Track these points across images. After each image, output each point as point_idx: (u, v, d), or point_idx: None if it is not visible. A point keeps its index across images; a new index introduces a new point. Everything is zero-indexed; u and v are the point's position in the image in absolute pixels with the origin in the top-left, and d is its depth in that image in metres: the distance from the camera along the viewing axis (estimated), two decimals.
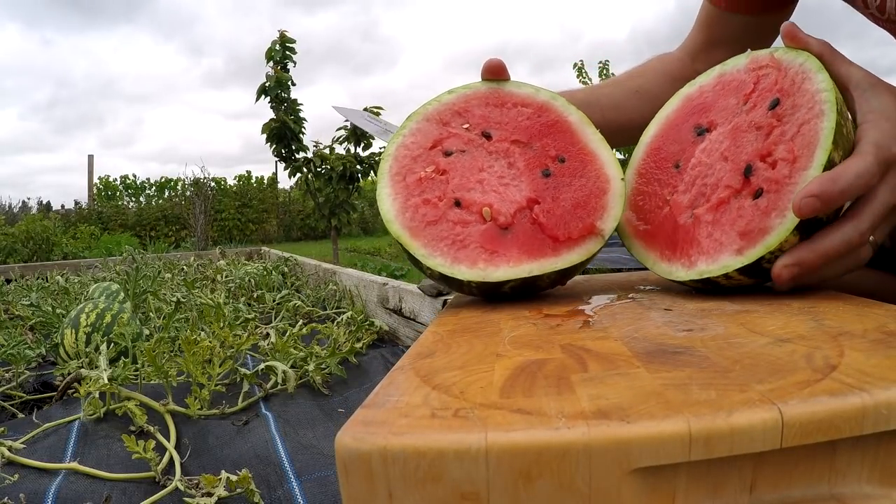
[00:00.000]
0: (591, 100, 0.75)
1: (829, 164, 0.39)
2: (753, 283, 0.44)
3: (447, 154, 0.52)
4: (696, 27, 0.80)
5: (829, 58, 0.44)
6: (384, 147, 0.56)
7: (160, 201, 9.01)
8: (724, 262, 0.42)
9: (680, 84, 0.81)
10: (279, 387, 0.83)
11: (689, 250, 0.45)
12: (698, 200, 0.47)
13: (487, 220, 0.49)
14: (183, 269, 2.07)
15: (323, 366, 0.88)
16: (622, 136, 0.79)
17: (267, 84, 3.27)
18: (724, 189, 0.45)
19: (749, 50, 0.50)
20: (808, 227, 0.40)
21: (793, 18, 0.76)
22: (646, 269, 0.51)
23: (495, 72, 0.56)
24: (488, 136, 0.53)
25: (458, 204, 0.49)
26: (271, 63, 3.31)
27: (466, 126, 0.54)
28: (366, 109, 3.40)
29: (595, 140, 0.53)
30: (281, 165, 3.69)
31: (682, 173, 0.50)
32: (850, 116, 0.44)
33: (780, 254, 0.41)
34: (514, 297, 0.49)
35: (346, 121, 3.46)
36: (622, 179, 0.50)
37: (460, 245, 0.48)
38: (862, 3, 0.62)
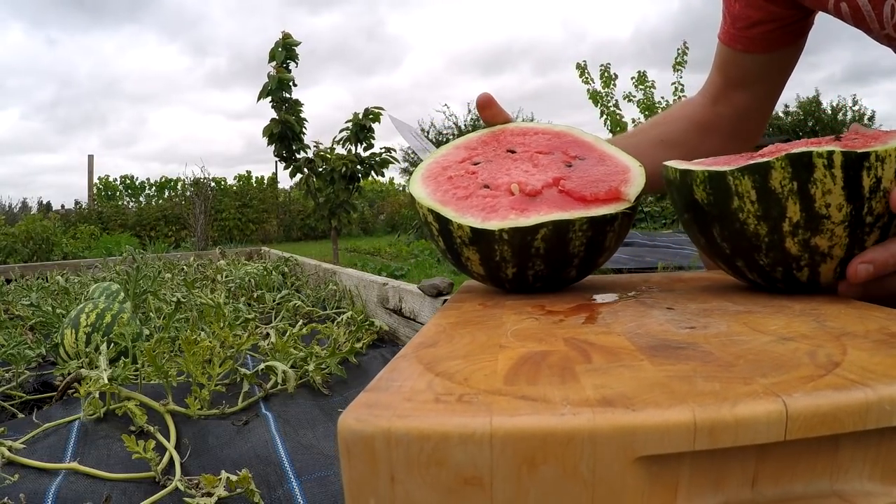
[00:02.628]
0: (619, 147, 0.76)
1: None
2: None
3: (475, 164, 0.55)
4: (714, 70, 0.80)
5: None
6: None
7: (160, 201, 9.01)
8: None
9: (702, 130, 0.78)
10: (279, 387, 0.83)
11: None
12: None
13: (515, 193, 0.50)
14: (183, 269, 2.07)
15: (323, 366, 0.88)
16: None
17: (270, 86, 3.27)
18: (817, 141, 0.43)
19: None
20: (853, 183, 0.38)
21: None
22: (647, 270, 0.51)
23: (486, 103, 0.60)
24: (513, 151, 0.57)
25: (486, 187, 0.51)
26: (274, 63, 3.31)
27: (493, 149, 0.58)
28: (368, 111, 3.41)
29: (611, 148, 0.56)
30: (281, 165, 3.69)
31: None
32: None
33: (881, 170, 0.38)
34: (547, 257, 0.47)
35: (345, 119, 3.46)
36: (640, 166, 0.52)
37: (490, 210, 0.48)
38: (878, 24, 0.60)
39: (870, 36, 0.64)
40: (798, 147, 0.39)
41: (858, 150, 0.37)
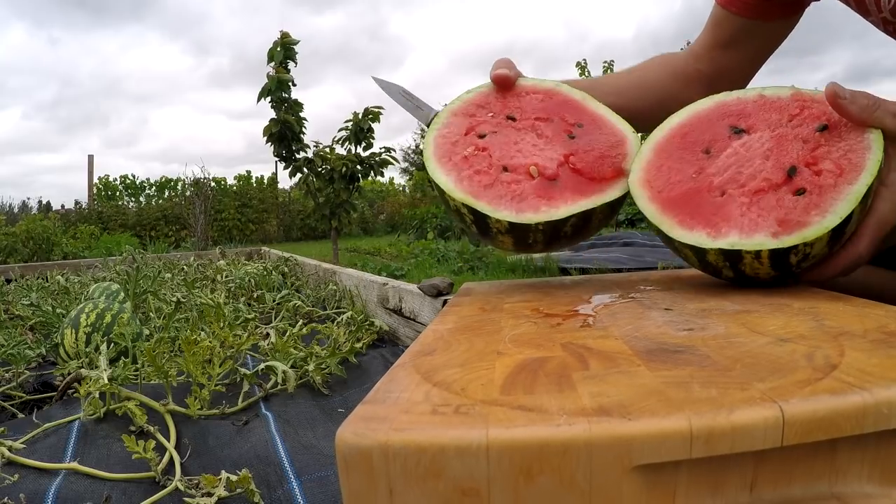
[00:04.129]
0: (595, 86, 0.76)
1: (869, 190, 0.43)
2: (769, 278, 0.46)
3: (481, 136, 0.58)
4: (705, 29, 0.81)
5: (869, 113, 0.45)
6: (422, 132, 0.62)
7: (160, 201, 9.00)
8: (758, 240, 0.44)
9: (681, 80, 0.82)
10: (279, 387, 0.83)
11: (718, 222, 0.47)
12: (730, 184, 0.49)
13: (535, 176, 0.55)
14: (183, 269, 2.07)
15: (323, 366, 0.88)
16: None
17: (270, 87, 3.27)
18: (762, 180, 0.47)
19: (793, 85, 0.52)
20: (836, 236, 0.43)
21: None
22: (646, 269, 0.52)
23: (503, 84, 0.62)
24: (513, 119, 0.60)
25: (505, 169, 0.55)
26: (272, 63, 3.31)
27: (491, 115, 0.60)
28: (367, 111, 3.40)
29: (601, 108, 0.61)
30: (281, 165, 3.69)
31: (714, 159, 0.52)
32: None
33: (809, 250, 0.43)
34: (572, 237, 0.55)
35: (346, 121, 3.46)
36: (633, 132, 0.58)
37: (520, 198, 0.53)
38: (876, 7, 0.62)
39: (867, 19, 0.65)
40: (732, 234, 0.45)
41: (785, 246, 0.42)
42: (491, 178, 0.54)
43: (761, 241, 0.43)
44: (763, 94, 0.53)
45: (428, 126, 0.65)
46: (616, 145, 0.57)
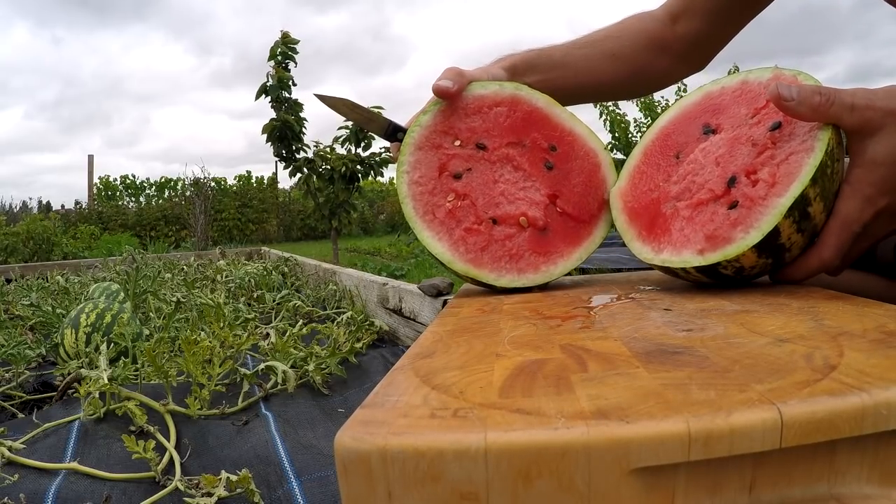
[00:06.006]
0: (568, 61, 0.74)
1: (803, 198, 0.42)
2: (711, 282, 0.47)
3: (457, 177, 0.57)
4: None
5: (824, 111, 0.43)
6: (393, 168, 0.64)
7: (160, 201, 9.01)
8: (685, 257, 0.46)
9: (656, 48, 0.79)
10: (279, 387, 0.83)
11: (661, 237, 0.49)
12: (684, 194, 0.49)
13: (526, 227, 0.55)
14: (183, 269, 2.07)
15: (323, 366, 0.88)
16: (594, 96, 0.79)
17: (268, 84, 3.27)
18: (706, 191, 0.47)
19: (776, 66, 0.50)
20: (766, 248, 0.43)
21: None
22: (646, 269, 0.53)
23: (444, 97, 0.58)
24: (483, 147, 0.57)
25: (495, 222, 0.55)
26: (273, 63, 3.31)
27: (458, 143, 0.57)
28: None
29: (566, 118, 0.60)
30: (281, 165, 3.69)
31: (679, 165, 0.52)
32: (843, 157, 0.45)
33: (738, 264, 0.44)
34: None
35: (346, 120, 3.46)
36: (605, 149, 0.59)
37: (517, 258, 0.55)
38: None
39: None
40: (667, 251, 0.48)
41: (708, 263, 0.44)
42: (484, 237, 0.55)
43: (687, 258, 0.45)
44: (746, 80, 0.51)
45: (384, 136, 0.63)
46: (593, 172, 0.58)
